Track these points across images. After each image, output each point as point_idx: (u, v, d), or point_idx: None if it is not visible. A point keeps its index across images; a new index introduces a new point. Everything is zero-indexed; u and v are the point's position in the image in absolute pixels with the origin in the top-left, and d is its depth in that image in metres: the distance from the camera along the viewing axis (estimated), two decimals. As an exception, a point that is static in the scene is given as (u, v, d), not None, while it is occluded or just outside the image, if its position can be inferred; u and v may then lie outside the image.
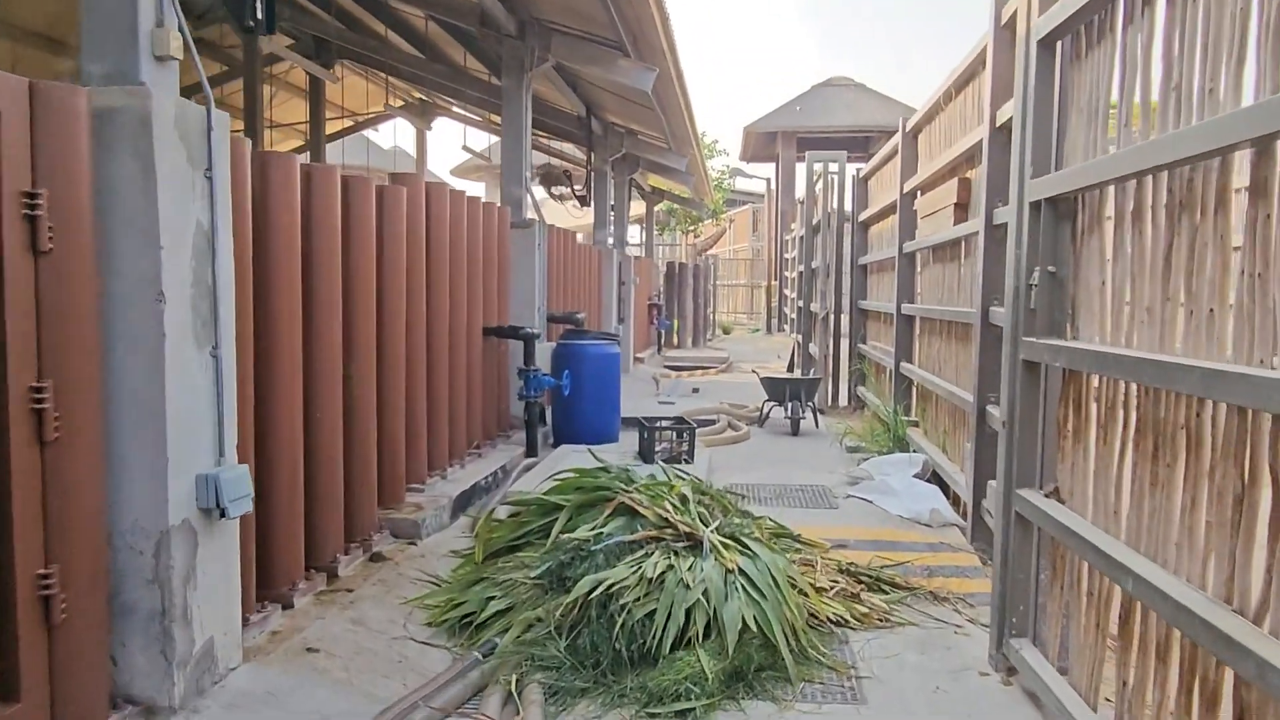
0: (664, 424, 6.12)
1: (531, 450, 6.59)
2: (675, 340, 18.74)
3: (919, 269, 7.12)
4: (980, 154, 4.95)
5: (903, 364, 7.20)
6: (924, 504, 5.11)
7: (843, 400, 10.60)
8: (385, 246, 4.68)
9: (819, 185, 10.89)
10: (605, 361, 7.14)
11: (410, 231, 4.96)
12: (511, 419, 7.06)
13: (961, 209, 5.44)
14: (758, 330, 26.02)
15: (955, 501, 5.39)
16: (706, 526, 3.83)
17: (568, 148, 14.85)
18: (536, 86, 11.25)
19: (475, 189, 28.11)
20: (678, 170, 13.52)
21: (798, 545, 4.44)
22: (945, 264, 6.03)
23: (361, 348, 4.35)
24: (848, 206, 10.40)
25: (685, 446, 5.80)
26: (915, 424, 6.91)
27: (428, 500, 4.90)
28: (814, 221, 11.32)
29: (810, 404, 8.26)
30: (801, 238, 12.94)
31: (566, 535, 3.92)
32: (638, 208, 20.85)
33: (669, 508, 3.92)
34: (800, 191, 16.05)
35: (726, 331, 25.30)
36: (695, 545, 3.73)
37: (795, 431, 7.95)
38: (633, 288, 13.53)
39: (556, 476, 4.57)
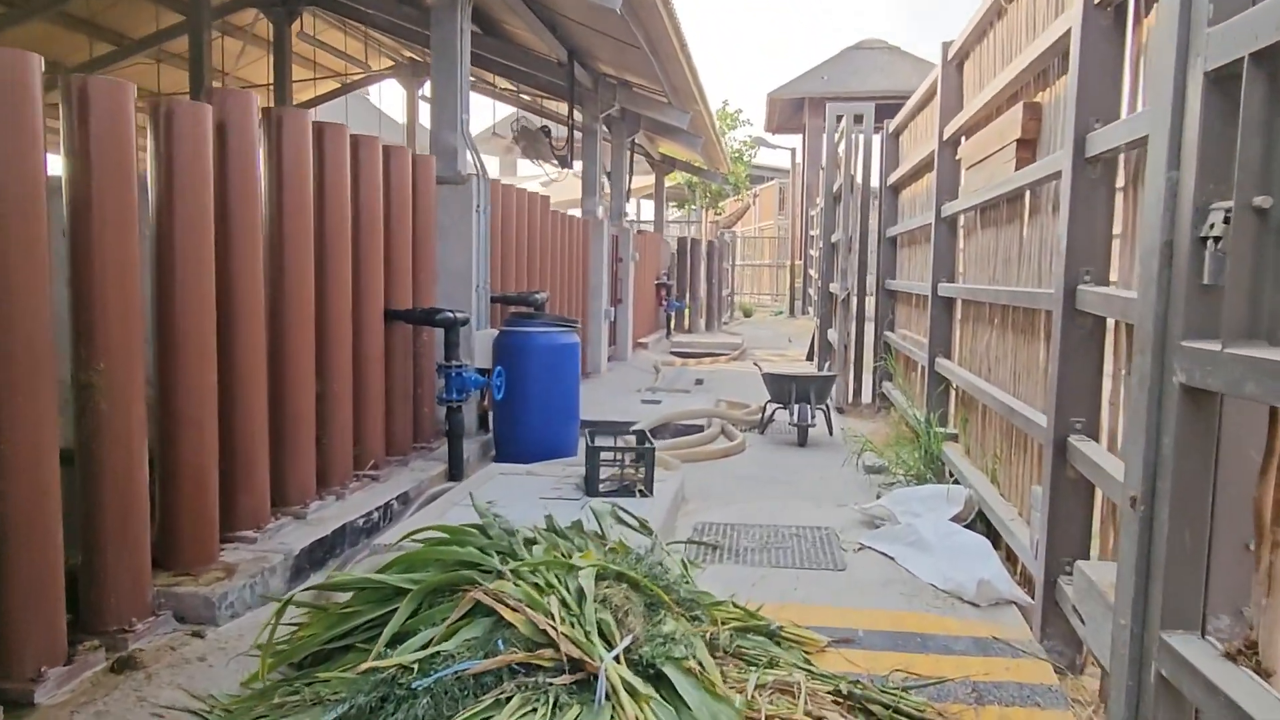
0: (617, 441, 4.61)
1: (455, 470, 5.10)
2: (687, 324, 17.18)
3: (962, 237, 5.53)
4: (1061, 62, 3.36)
5: (939, 360, 5.62)
6: (968, 569, 3.56)
7: (865, 396, 9.03)
8: (177, 190, 3.19)
9: (841, 145, 9.26)
10: (557, 355, 5.63)
11: (234, 173, 3.46)
12: (439, 426, 5.59)
13: (1027, 147, 3.85)
14: (780, 313, 24.37)
15: (1008, 557, 3.85)
16: (610, 646, 2.31)
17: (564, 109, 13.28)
18: (512, 28, 9.72)
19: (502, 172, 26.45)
20: (682, 131, 11.92)
21: (776, 644, 2.92)
22: (999, 228, 4.45)
23: (115, 338, 2.87)
24: (875, 171, 8.79)
25: (641, 474, 4.28)
26: (954, 438, 5.34)
27: (251, 559, 3.42)
28: (835, 188, 9.70)
29: (823, 406, 6.70)
30: (823, 209, 11.34)
31: (388, 654, 2.42)
32: (648, 180, 19.25)
33: (556, 610, 2.41)
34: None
35: (748, 314, 23.71)
36: (589, 679, 2.23)
37: (802, 442, 6.39)
38: (632, 265, 11.99)
39: (417, 536, 3.07)
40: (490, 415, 5.89)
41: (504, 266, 6.78)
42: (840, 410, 8.59)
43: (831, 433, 6.75)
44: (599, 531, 3.48)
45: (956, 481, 4.66)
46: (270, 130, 3.80)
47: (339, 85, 16.77)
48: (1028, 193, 3.91)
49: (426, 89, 16.48)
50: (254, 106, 3.57)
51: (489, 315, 6.05)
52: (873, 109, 8.85)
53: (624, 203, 11.93)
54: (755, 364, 7.32)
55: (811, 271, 19.39)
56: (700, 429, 6.49)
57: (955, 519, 4.14)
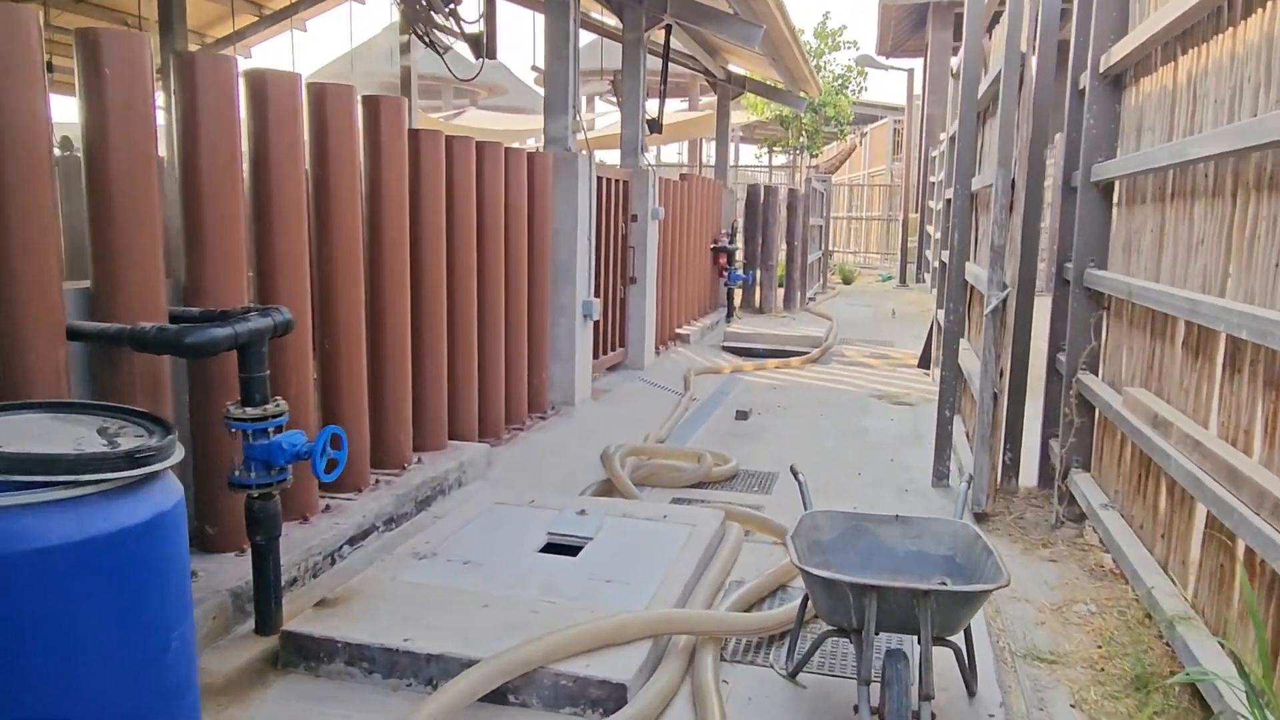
0: None
1: None
2: (757, 300, 12.91)
3: None
4: None
5: None
6: None
7: (1029, 475, 4.80)
8: None
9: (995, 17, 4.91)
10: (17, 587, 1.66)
11: None
12: None
13: None
14: (889, 279, 19.69)
15: None
16: None
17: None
18: None
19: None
20: (729, 17, 7.66)
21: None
22: None
23: None
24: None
25: None
26: None
27: None
28: (979, 93, 5.36)
29: (963, 648, 2.52)
30: (954, 139, 7.03)
31: None
32: (730, 114, 14.86)
33: None
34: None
35: (847, 280, 19.13)
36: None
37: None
38: (654, 226, 7.91)
39: None
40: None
41: (211, 248, 2.85)
42: (980, 516, 4.41)
43: (973, 690, 2.60)
44: None
45: None
46: None
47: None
48: None
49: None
50: None
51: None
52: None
53: (641, 130, 7.79)
54: (793, 470, 3.18)
55: (930, 228, 14.81)
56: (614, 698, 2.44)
57: None
